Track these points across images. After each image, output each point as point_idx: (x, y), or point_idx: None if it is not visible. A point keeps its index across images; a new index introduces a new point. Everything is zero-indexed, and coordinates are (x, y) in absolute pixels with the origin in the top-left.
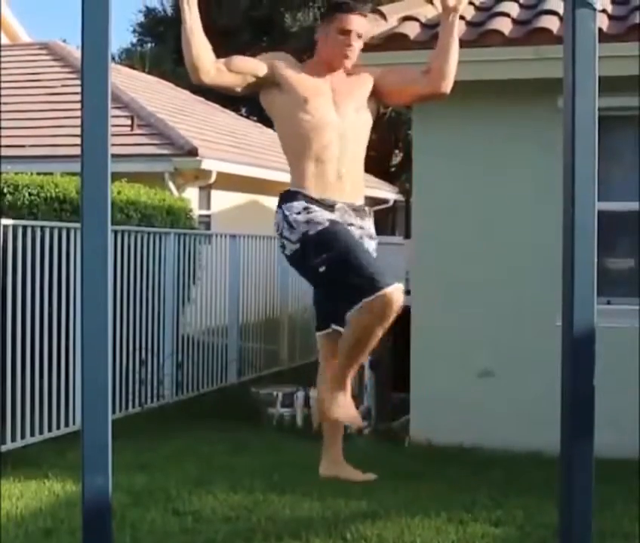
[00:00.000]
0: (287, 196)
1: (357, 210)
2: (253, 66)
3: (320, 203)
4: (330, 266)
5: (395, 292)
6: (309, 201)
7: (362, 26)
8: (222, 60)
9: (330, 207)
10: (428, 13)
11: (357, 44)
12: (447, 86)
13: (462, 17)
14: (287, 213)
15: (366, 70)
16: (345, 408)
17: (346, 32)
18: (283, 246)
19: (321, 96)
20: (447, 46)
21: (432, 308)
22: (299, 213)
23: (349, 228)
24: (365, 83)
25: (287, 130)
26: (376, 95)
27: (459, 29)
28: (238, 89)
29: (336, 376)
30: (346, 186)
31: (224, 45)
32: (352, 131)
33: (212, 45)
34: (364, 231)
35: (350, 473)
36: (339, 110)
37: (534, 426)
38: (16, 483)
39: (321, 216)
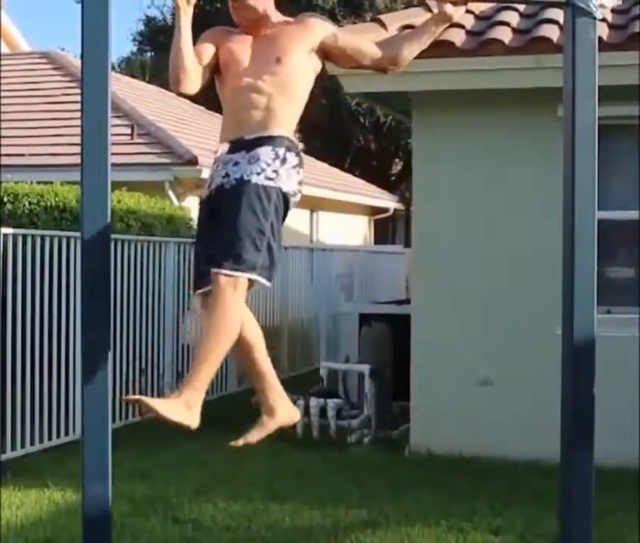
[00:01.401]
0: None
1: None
2: (207, 54)
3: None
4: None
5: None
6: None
7: None
8: (199, 67)
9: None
10: None
11: (247, 5)
12: (396, 70)
13: (462, 26)
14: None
15: (314, 25)
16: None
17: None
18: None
19: (240, 57)
20: (420, 41)
21: (432, 316)
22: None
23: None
24: (297, 34)
25: (221, 96)
26: (322, 53)
27: (459, 38)
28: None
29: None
30: (245, 122)
31: None
32: (263, 81)
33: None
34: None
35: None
36: (256, 66)
37: (534, 435)
38: (17, 492)
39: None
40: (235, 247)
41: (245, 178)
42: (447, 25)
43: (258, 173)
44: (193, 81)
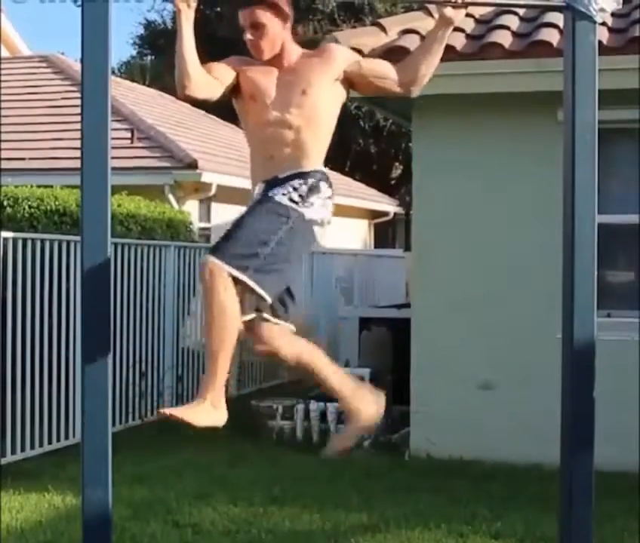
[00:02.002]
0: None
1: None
2: (224, 74)
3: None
4: None
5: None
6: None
7: (257, 16)
8: (205, 70)
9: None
10: (428, 26)
11: (262, 35)
12: (419, 90)
13: (462, 30)
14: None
15: (336, 54)
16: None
17: (249, 27)
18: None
19: (266, 89)
20: (431, 52)
21: (432, 320)
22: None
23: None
24: (322, 64)
25: (245, 127)
26: (347, 81)
27: (459, 41)
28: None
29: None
30: (278, 161)
31: (224, 57)
32: (292, 115)
33: (212, 56)
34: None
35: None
36: (283, 98)
37: (534, 439)
38: (16, 496)
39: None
40: (233, 243)
41: (269, 195)
42: (450, 28)
43: (283, 194)
44: (198, 85)
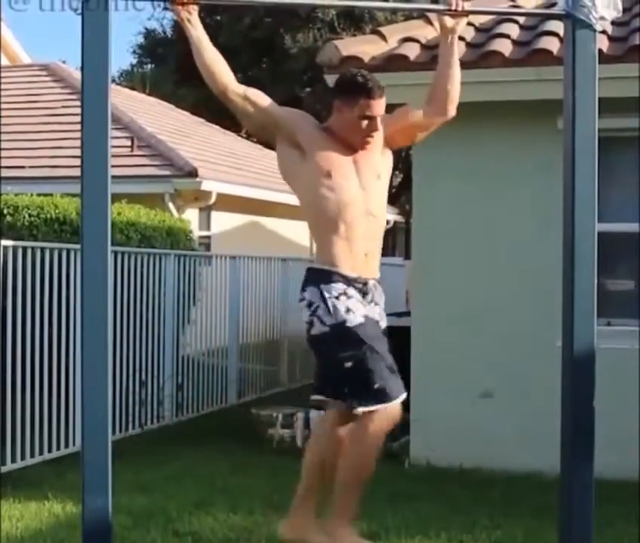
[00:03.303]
0: (324, 275)
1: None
2: (274, 113)
3: (354, 283)
4: (355, 363)
5: (398, 408)
6: (346, 283)
7: (383, 107)
8: (243, 87)
9: (363, 285)
10: (428, 34)
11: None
12: (454, 108)
13: (462, 38)
14: (326, 294)
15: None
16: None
17: (372, 118)
18: (311, 324)
19: (343, 169)
20: (449, 68)
21: (432, 328)
22: (337, 298)
23: (375, 309)
24: (379, 142)
25: (310, 203)
26: (386, 146)
27: (459, 50)
28: (253, 125)
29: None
30: (371, 263)
31: None
32: (374, 203)
33: None
34: (381, 308)
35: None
36: (362, 183)
37: (534, 447)
38: (16, 504)
39: (359, 309)
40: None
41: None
42: (455, 36)
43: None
44: (229, 78)
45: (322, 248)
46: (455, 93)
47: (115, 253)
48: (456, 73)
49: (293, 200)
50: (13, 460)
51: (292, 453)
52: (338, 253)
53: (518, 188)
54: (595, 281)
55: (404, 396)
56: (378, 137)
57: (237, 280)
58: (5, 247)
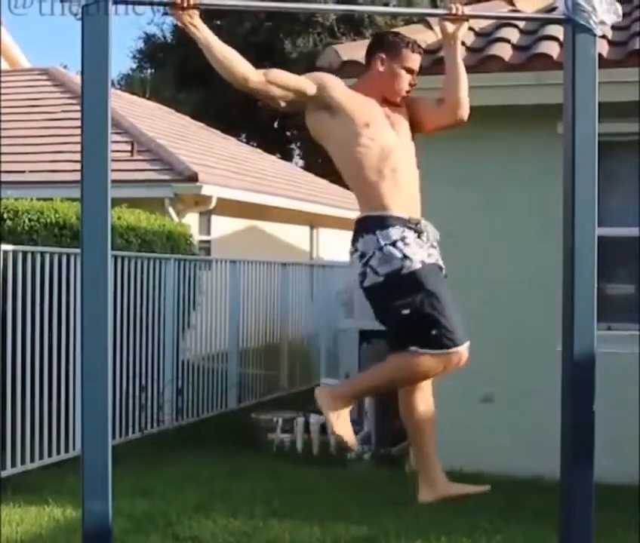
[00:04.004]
0: (378, 220)
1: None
2: (298, 84)
3: (410, 224)
4: (414, 310)
5: (467, 352)
6: (403, 225)
7: (419, 63)
8: (261, 71)
9: (417, 225)
10: (428, 38)
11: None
12: (465, 112)
13: (462, 43)
14: (382, 241)
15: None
16: (348, 428)
17: (411, 71)
18: (364, 274)
19: (380, 120)
20: (455, 73)
21: None
22: (394, 244)
23: (432, 252)
24: (406, 114)
25: (349, 155)
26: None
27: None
28: (283, 103)
29: (347, 392)
30: (417, 205)
31: None
32: (409, 155)
33: (212, 68)
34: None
35: (458, 488)
36: (398, 135)
37: (535, 452)
38: (17, 509)
39: (416, 254)
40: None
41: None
42: (457, 40)
43: (430, 254)
44: (247, 69)
45: (369, 197)
46: (464, 98)
47: (115, 258)
48: (462, 77)
49: (293, 204)
50: (14, 464)
51: (292, 458)
52: (387, 196)
53: (518, 193)
54: (595, 285)
55: (467, 343)
56: (404, 109)
57: (237, 284)
58: (5, 252)
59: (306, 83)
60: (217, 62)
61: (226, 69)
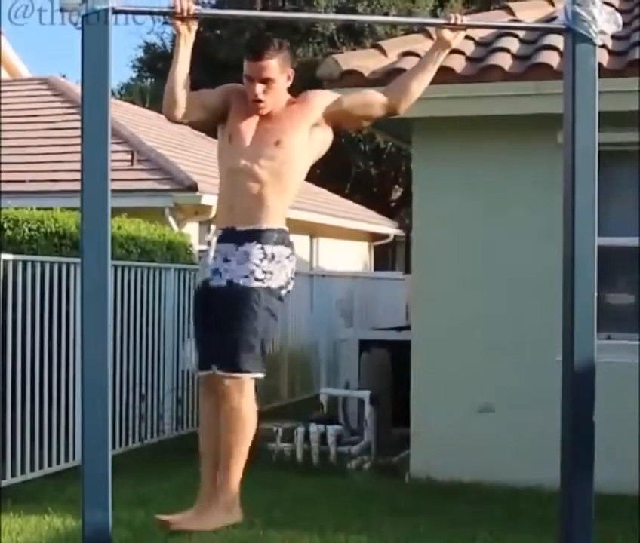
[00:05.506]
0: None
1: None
2: (212, 101)
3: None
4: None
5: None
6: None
7: (270, 71)
8: (193, 94)
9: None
10: (427, 48)
11: (269, 90)
12: (404, 104)
13: (462, 52)
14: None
15: (313, 99)
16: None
17: (250, 79)
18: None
19: (241, 133)
20: (425, 68)
21: (432, 343)
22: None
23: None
24: (301, 113)
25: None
26: (331, 122)
27: (459, 64)
28: (205, 126)
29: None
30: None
31: (224, 79)
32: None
33: (212, 78)
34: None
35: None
36: (252, 146)
37: (534, 462)
38: (16, 518)
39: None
40: (234, 352)
41: (235, 282)
42: (447, 51)
43: (246, 276)
44: (182, 110)
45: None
46: (414, 96)
47: (115, 267)
48: (427, 80)
49: (293, 213)
50: (14, 474)
51: (292, 467)
52: (218, 209)
53: (518, 203)
54: (595, 295)
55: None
56: (306, 108)
57: None
58: (5, 261)
59: (217, 98)
60: (172, 83)
61: (169, 93)
